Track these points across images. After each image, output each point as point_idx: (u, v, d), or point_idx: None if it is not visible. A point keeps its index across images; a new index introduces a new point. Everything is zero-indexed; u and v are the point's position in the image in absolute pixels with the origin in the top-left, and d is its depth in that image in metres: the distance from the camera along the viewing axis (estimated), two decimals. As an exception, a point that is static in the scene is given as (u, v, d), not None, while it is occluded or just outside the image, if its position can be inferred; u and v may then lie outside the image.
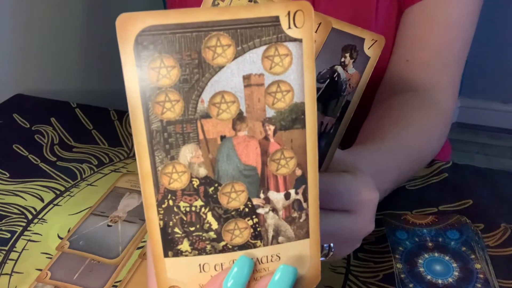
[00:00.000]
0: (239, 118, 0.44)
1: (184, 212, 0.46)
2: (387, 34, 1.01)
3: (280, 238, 0.48)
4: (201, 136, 0.44)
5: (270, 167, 0.46)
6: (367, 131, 0.89)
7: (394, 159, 0.77)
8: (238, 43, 0.42)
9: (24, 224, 0.88)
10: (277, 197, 0.47)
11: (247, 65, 0.43)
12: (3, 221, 0.88)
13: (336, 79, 0.63)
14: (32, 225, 0.87)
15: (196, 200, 0.46)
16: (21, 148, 1.09)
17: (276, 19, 0.42)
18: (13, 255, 0.81)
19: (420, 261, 0.76)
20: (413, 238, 0.80)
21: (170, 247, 0.47)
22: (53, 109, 1.25)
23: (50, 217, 0.89)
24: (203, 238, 0.47)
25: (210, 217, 0.46)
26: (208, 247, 0.47)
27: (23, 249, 0.83)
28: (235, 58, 0.43)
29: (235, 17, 0.42)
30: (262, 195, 0.47)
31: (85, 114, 1.23)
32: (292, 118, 0.45)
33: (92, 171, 1.02)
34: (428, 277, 0.74)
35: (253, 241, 0.48)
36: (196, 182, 0.45)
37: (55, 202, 0.93)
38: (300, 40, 0.43)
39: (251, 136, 0.45)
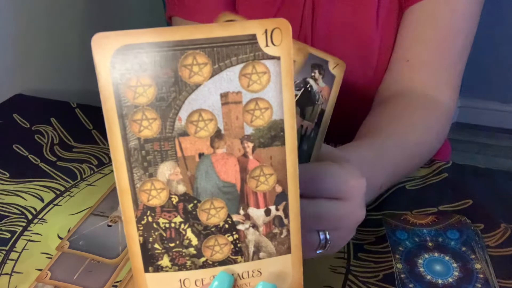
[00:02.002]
0: (217, 135, 0.44)
1: (163, 228, 0.46)
2: (387, 33, 1.00)
3: (261, 254, 0.48)
4: (179, 154, 0.44)
5: (250, 184, 0.46)
6: (364, 130, 0.88)
7: (388, 154, 0.77)
8: (215, 61, 0.42)
9: (24, 224, 0.88)
10: (257, 214, 0.47)
11: (224, 83, 0.43)
12: (3, 221, 0.89)
13: (309, 89, 0.64)
14: (32, 225, 0.88)
15: (176, 216, 0.46)
16: (21, 148, 1.10)
17: (253, 37, 0.42)
18: (13, 255, 0.81)
19: (420, 261, 0.76)
20: (413, 238, 0.80)
21: (151, 262, 0.47)
22: (53, 109, 1.25)
23: (50, 217, 0.90)
24: (183, 254, 0.47)
25: (189, 233, 0.47)
26: (188, 262, 0.47)
27: (23, 249, 0.83)
28: (212, 76, 0.42)
29: (211, 36, 0.41)
30: (242, 212, 0.47)
31: (85, 114, 1.23)
32: (271, 135, 0.45)
33: (92, 171, 1.02)
34: (428, 277, 0.73)
35: (233, 257, 0.48)
36: (175, 199, 0.45)
37: (55, 202, 0.93)
38: (278, 58, 0.43)
39: (229, 153, 0.45)
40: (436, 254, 0.77)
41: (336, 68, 0.65)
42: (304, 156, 0.64)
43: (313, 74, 0.64)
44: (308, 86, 0.64)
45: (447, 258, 0.76)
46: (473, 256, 0.76)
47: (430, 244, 0.79)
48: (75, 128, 1.17)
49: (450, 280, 0.73)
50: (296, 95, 0.64)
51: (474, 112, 3.49)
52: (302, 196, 0.62)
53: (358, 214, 0.63)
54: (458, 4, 0.93)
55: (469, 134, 3.42)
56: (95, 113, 1.23)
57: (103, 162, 1.05)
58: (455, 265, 0.75)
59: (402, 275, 0.74)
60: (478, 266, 0.74)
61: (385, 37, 1.00)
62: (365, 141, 0.78)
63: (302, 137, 0.65)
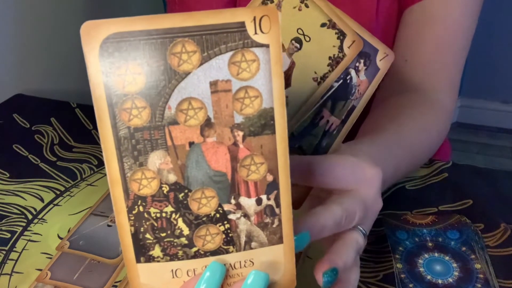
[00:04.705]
0: (207, 124, 0.44)
1: (154, 218, 0.46)
2: (387, 34, 1.00)
3: (253, 244, 0.48)
4: (169, 143, 0.44)
5: (241, 173, 0.46)
6: (364, 129, 0.88)
7: (390, 151, 0.76)
8: (204, 49, 0.42)
9: (24, 224, 0.88)
10: (248, 203, 0.47)
11: (213, 71, 0.43)
12: (3, 221, 0.89)
13: (348, 81, 0.64)
14: (32, 225, 0.88)
15: (167, 206, 0.46)
16: (21, 148, 1.10)
17: (242, 24, 0.42)
18: (13, 255, 0.81)
19: (420, 261, 0.76)
20: (413, 238, 0.80)
21: (142, 252, 0.47)
22: (53, 109, 1.25)
23: (50, 217, 0.90)
24: (175, 244, 0.47)
25: (181, 223, 0.46)
26: (180, 252, 0.47)
27: (23, 249, 0.83)
28: (201, 64, 0.42)
29: (200, 23, 0.41)
30: (233, 201, 0.47)
31: (85, 114, 1.23)
32: (261, 124, 0.45)
33: (92, 171, 1.02)
34: (428, 277, 0.73)
35: (225, 247, 0.48)
36: (166, 188, 0.45)
37: (55, 202, 0.93)
38: (267, 46, 0.43)
39: (220, 142, 0.45)
40: (436, 254, 0.76)
41: (383, 60, 0.65)
42: (320, 154, 0.65)
43: (357, 64, 0.65)
44: (348, 77, 0.64)
45: (447, 258, 0.76)
46: (473, 256, 0.75)
47: (430, 244, 0.78)
48: (75, 128, 1.18)
49: (450, 280, 0.72)
50: (333, 87, 0.64)
51: (474, 112, 3.50)
52: (320, 187, 0.63)
53: (379, 202, 0.64)
54: (457, 4, 0.93)
55: (469, 134, 3.42)
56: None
57: (103, 162, 1.05)
58: (455, 265, 0.74)
59: (402, 275, 0.74)
60: (478, 266, 0.74)
61: (384, 37, 1.00)
62: (367, 138, 0.78)
63: (325, 133, 0.65)
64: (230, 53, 0.43)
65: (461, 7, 0.94)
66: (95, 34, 0.41)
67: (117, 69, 0.41)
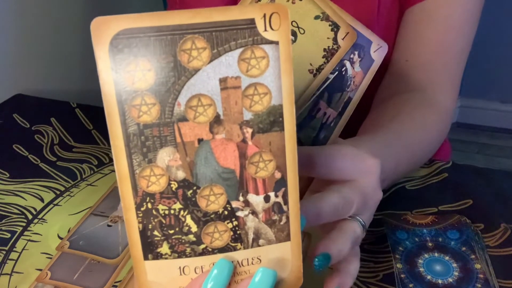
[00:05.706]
0: (216, 121, 0.44)
1: (163, 215, 0.46)
2: (388, 34, 1.00)
3: (261, 241, 0.48)
4: (178, 139, 0.44)
5: (249, 170, 0.46)
6: (364, 128, 0.88)
7: (390, 148, 0.76)
8: (214, 46, 0.42)
9: (24, 224, 0.88)
10: (256, 200, 0.47)
11: (223, 68, 0.43)
12: (3, 221, 0.89)
13: (343, 73, 0.64)
14: (32, 225, 0.88)
15: (175, 203, 0.46)
16: (21, 148, 1.10)
17: (252, 21, 0.42)
18: (13, 255, 0.81)
19: (420, 261, 0.76)
20: (413, 238, 0.80)
21: (150, 250, 0.47)
22: (53, 109, 1.24)
23: (50, 217, 0.89)
24: (183, 241, 0.47)
25: (189, 220, 0.46)
26: (188, 250, 0.47)
27: (23, 249, 0.83)
28: (211, 61, 0.42)
29: (210, 20, 0.41)
30: (241, 198, 0.47)
31: (85, 114, 1.23)
32: (270, 121, 0.45)
33: (92, 171, 1.02)
34: (428, 277, 0.73)
35: (233, 244, 0.48)
36: (174, 185, 0.45)
37: (55, 202, 0.93)
38: (276, 43, 0.43)
39: (228, 139, 0.45)
40: (436, 254, 0.77)
41: (377, 51, 0.66)
42: (318, 146, 0.65)
43: (352, 56, 0.66)
44: (343, 69, 0.65)
45: (447, 258, 0.76)
46: (473, 256, 0.75)
47: (430, 244, 0.78)
48: (75, 128, 1.17)
49: (450, 280, 0.72)
50: (328, 79, 0.65)
51: (474, 112, 3.51)
52: (320, 180, 0.63)
53: (378, 192, 0.64)
54: (458, 4, 0.93)
55: (469, 134, 3.44)
56: (95, 113, 1.23)
57: (103, 162, 1.05)
58: (455, 265, 0.74)
59: (402, 275, 0.74)
60: (478, 266, 0.74)
61: (385, 37, 0.99)
62: (367, 136, 0.78)
63: (322, 125, 0.65)
64: (240, 49, 0.43)
65: (462, 7, 0.94)
66: (105, 30, 0.41)
67: (126, 66, 0.41)
